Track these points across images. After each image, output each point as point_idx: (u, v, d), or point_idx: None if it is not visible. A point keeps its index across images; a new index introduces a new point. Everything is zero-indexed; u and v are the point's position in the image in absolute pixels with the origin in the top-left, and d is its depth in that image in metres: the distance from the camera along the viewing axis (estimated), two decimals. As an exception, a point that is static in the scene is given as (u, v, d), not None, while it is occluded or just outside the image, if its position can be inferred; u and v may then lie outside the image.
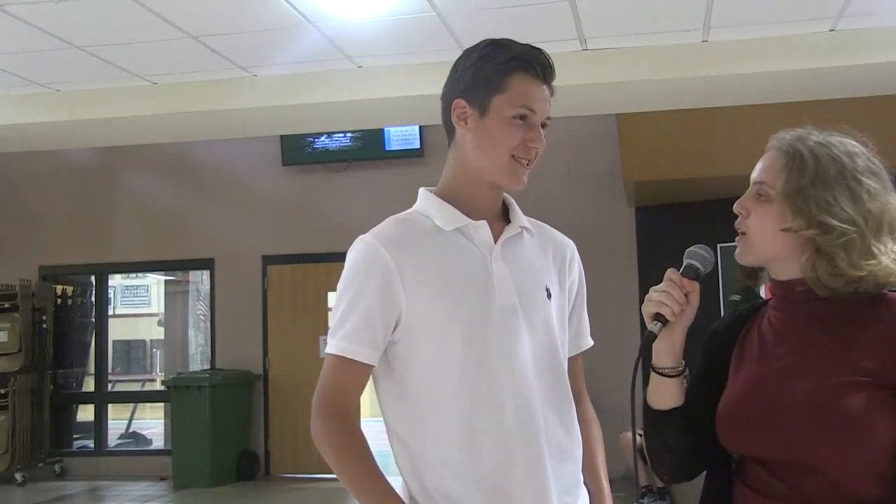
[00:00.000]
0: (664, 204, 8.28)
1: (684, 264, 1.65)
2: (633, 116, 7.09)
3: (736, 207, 1.62)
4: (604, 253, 8.24)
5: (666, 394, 1.64)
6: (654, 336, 1.60)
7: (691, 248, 1.66)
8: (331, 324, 1.73)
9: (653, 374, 1.65)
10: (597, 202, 8.59)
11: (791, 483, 1.51)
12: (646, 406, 1.68)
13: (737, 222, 1.62)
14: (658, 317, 1.60)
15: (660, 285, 1.62)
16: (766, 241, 1.58)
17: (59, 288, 10.00)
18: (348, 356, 1.67)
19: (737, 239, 1.63)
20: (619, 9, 4.97)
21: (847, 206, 1.51)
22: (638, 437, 6.31)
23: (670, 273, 1.63)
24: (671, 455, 1.68)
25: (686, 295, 1.61)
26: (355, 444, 1.66)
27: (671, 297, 1.60)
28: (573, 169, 8.51)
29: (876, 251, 1.51)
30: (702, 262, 1.65)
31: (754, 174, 1.63)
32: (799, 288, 1.56)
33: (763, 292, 6.93)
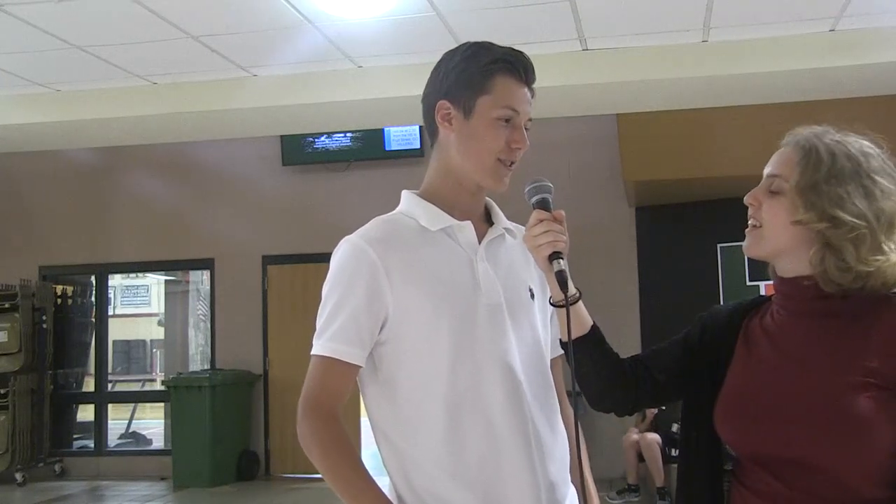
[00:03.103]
0: (664, 204, 8.28)
1: (540, 199, 1.67)
2: (633, 116, 7.09)
3: (747, 198, 1.64)
4: (604, 253, 8.24)
5: (571, 323, 1.65)
6: (566, 273, 1.62)
7: (530, 186, 1.69)
8: (317, 324, 1.72)
9: (555, 310, 1.69)
10: (597, 202, 8.59)
11: (791, 483, 1.51)
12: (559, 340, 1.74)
13: (749, 213, 1.63)
14: (556, 255, 1.62)
15: (537, 228, 1.63)
16: (777, 233, 1.58)
17: (59, 288, 10.00)
18: (336, 356, 1.67)
19: (747, 231, 1.64)
20: (619, 9, 4.97)
21: (859, 202, 1.52)
22: (634, 435, 6.29)
23: (540, 214, 1.65)
24: (586, 382, 1.71)
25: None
26: (341, 444, 1.66)
27: (557, 233, 1.63)
28: (573, 169, 8.51)
29: (885, 248, 1.52)
30: (548, 191, 1.69)
31: (768, 168, 1.64)
32: (806, 282, 1.57)
33: (763, 291, 6.94)
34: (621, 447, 7.24)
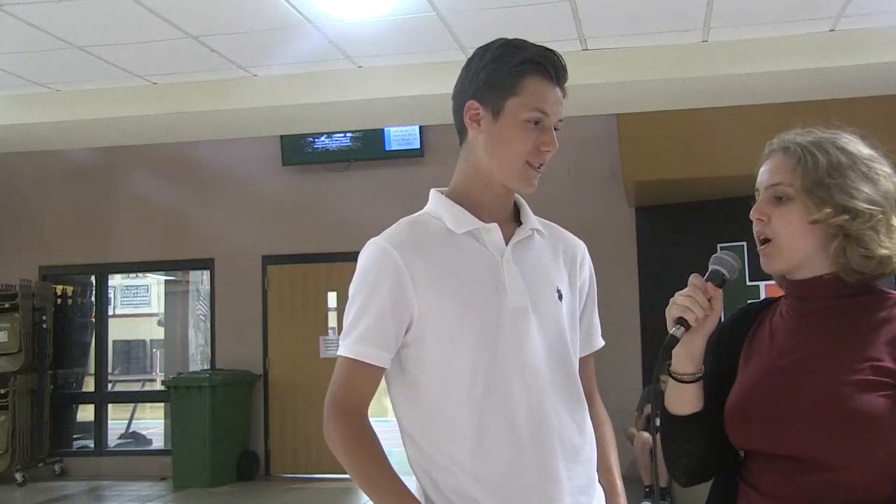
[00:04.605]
0: (664, 204, 8.28)
1: (710, 270, 1.64)
2: (633, 116, 7.09)
3: (754, 214, 1.61)
4: (603, 253, 8.20)
5: (685, 399, 1.63)
6: (676, 340, 1.58)
7: (718, 254, 1.65)
8: (343, 326, 1.73)
9: (671, 380, 1.64)
10: (597, 202, 8.58)
11: (797, 482, 1.50)
12: (664, 411, 1.67)
13: (757, 229, 1.61)
14: (681, 321, 1.58)
15: (684, 290, 1.60)
16: (796, 241, 1.57)
17: (59, 288, 10.00)
18: (360, 359, 1.67)
19: (761, 248, 1.61)
20: (619, 9, 4.97)
21: (866, 188, 1.53)
22: (646, 435, 6.26)
23: (694, 279, 1.61)
24: (689, 458, 1.67)
25: (709, 301, 1.60)
26: (368, 444, 1.67)
27: (695, 302, 1.58)
28: (573, 169, 8.50)
29: None
30: (728, 268, 1.63)
31: (764, 179, 1.62)
32: (826, 277, 1.56)
33: (763, 290, 6.93)
34: (624, 447, 7.24)
